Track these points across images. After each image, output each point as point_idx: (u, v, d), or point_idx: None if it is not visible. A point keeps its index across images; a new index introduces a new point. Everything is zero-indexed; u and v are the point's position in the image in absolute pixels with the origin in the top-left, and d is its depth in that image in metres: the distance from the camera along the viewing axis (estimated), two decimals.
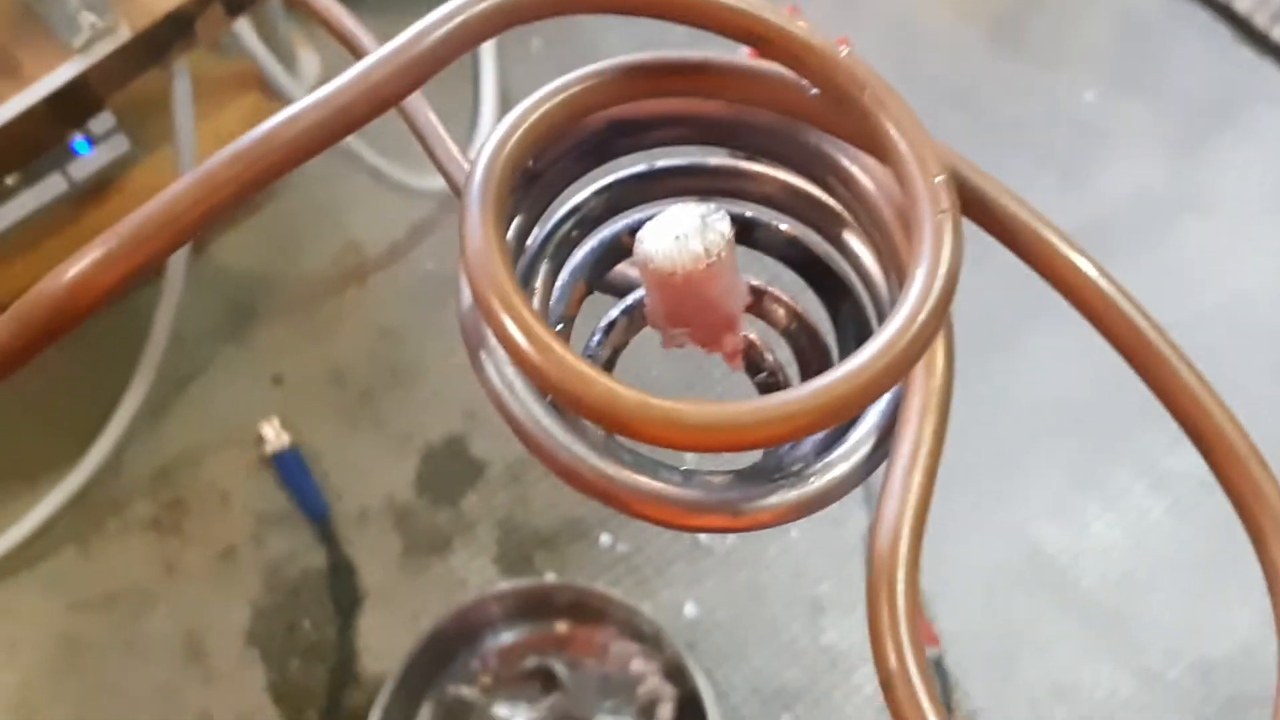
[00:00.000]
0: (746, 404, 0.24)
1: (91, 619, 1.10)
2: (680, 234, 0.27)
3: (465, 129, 1.27)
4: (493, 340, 0.28)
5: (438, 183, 1.21)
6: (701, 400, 0.25)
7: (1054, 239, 0.26)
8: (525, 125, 0.27)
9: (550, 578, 1.11)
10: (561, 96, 0.28)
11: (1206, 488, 1.07)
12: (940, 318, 0.24)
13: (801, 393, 0.24)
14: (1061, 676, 1.09)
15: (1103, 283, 0.26)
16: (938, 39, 1.39)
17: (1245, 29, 1.32)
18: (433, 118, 0.34)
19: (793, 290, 0.34)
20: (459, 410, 1.18)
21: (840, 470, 0.28)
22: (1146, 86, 1.34)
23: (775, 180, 0.32)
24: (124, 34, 0.62)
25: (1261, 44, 1.32)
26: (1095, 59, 1.37)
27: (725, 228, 0.27)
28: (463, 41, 0.25)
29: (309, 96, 0.24)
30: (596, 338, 0.32)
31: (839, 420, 0.25)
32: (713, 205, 0.29)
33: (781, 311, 0.33)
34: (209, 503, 1.14)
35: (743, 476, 0.29)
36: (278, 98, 1.07)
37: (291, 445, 1.15)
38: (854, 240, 0.32)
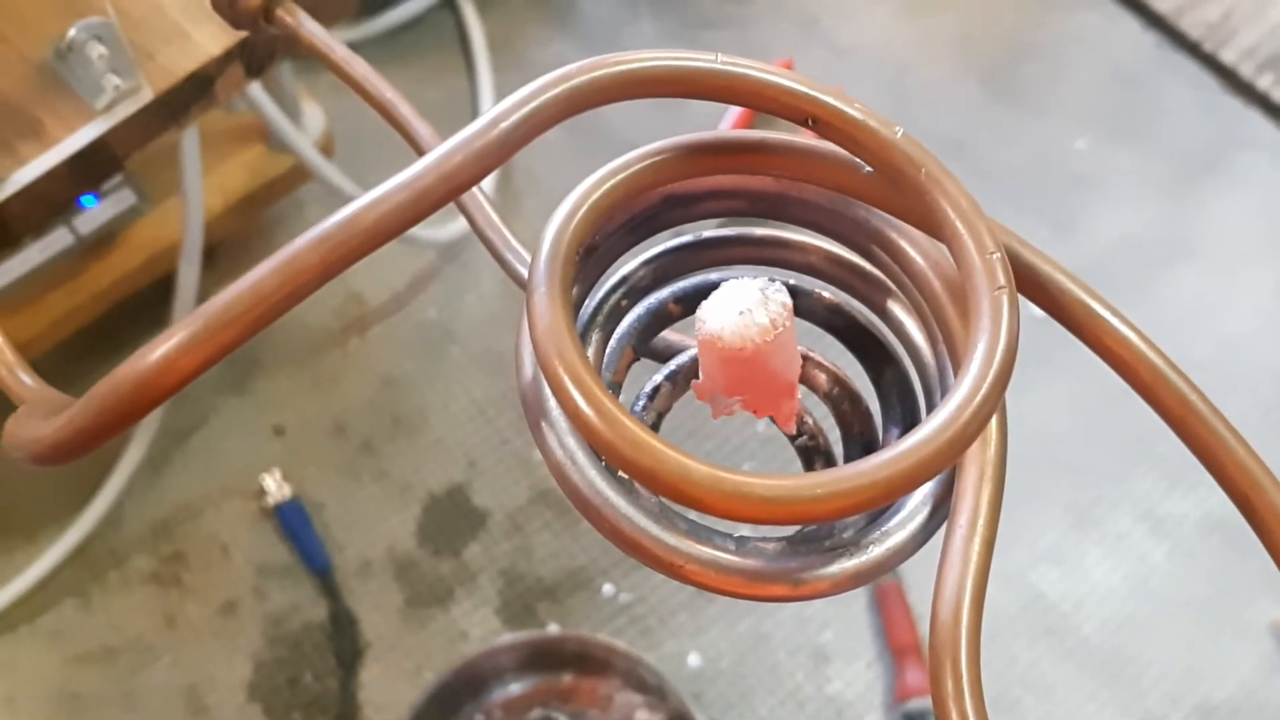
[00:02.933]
0: (815, 478, 0.24)
1: (91, 673, 1.09)
2: (744, 309, 0.28)
3: None
4: (554, 412, 0.29)
5: (440, 233, 1.21)
6: (770, 475, 0.25)
7: (1105, 314, 0.27)
8: (589, 204, 0.28)
9: (553, 629, 1.11)
10: (623, 175, 0.28)
11: (1203, 531, 1.08)
12: (1002, 389, 0.25)
13: (869, 465, 0.24)
14: None
15: (1153, 356, 0.27)
16: (933, 90, 1.41)
17: (1231, 79, 1.35)
18: (488, 207, 0.35)
19: (832, 356, 0.34)
20: (461, 459, 1.18)
21: (898, 539, 0.28)
22: (1137, 135, 1.36)
23: (820, 250, 0.33)
24: (146, 95, 0.63)
25: (1247, 93, 1.35)
26: (1086, 108, 1.39)
27: (785, 297, 0.28)
28: (533, 128, 0.26)
29: (389, 182, 0.25)
30: (641, 403, 0.33)
31: (907, 492, 0.25)
32: (765, 278, 0.29)
33: (824, 376, 0.34)
34: (210, 555, 1.14)
35: (795, 543, 0.30)
36: (282, 150, 1.08)
37: (293, 496, 1.15)
38: (898, 309, 0.33)
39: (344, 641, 1.10)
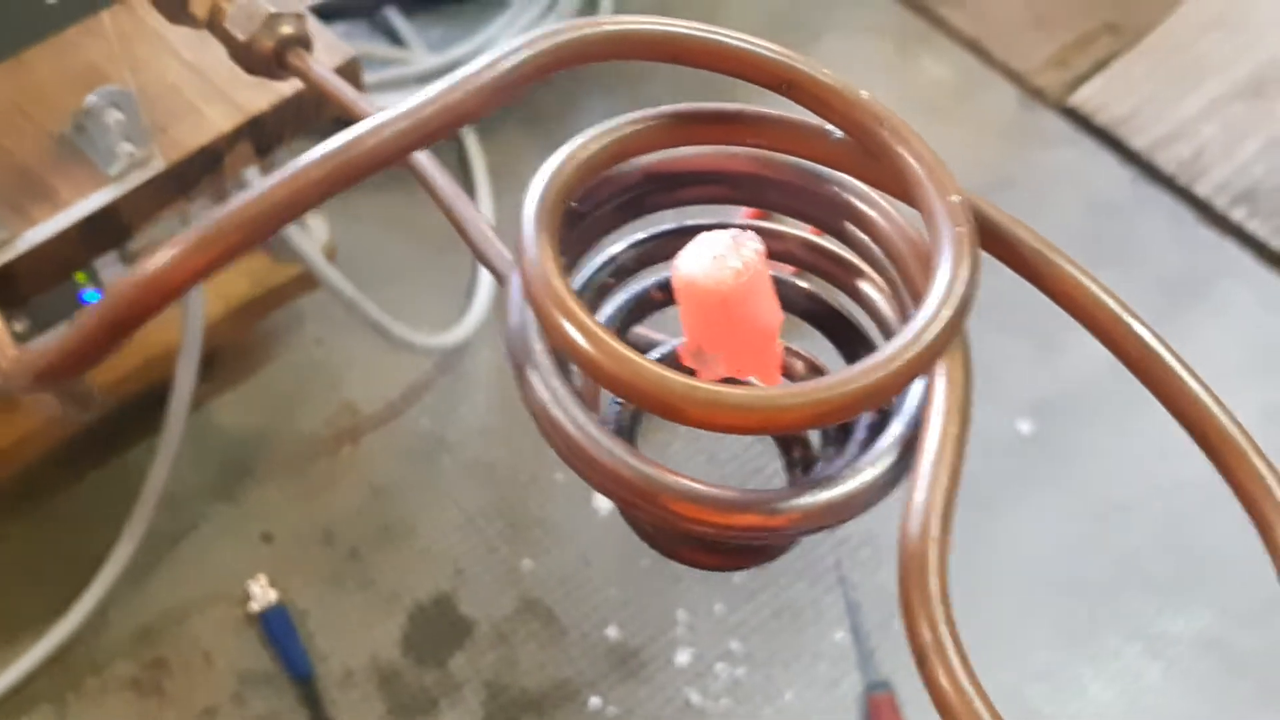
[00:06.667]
0: (786, 388, 0.26)
1: None
2: (717, 253, 0.29)
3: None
4: (539, 354, 0.30)
5: (437, 340, 1.24)
6: (744, 386, 0.27)
7: (1061, 262, 0.29)
8: (576, 158, 0.30)
9: None
10: (608, 137, 0.30)
11: (1198, 650, 1.07)
12: (963, 312, 0.26)
13: (839, 378, 0.26)
14: None
15: (1110, 302, 0.28)
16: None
17: (1206, 211, 1.39)
18: (468, 204, 0.37)
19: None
20: (449, 568, 1.17)
21: (868, 475, 0.29)
22: (1116, 264, 1.40)
23: (794, 238, 0.35)
24: (158, 165, 0.65)
25: (1222, 225, 1.39)
26: (1067, 237, 1.40)
27: (757, 244, 0.30)
28: (524, 75, 0.28)
29: (391, 109, 0.26)
30: None
31: (871, 405, 0.26)
32: (737, 228, 0.31)
33: (800, 364, 0.35)
34: (191, 662, 1.12)
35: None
36: (286, 259, 1.11)
37: (278, 603, 1.13)
38: (868, 288, 0.34)
39: None
